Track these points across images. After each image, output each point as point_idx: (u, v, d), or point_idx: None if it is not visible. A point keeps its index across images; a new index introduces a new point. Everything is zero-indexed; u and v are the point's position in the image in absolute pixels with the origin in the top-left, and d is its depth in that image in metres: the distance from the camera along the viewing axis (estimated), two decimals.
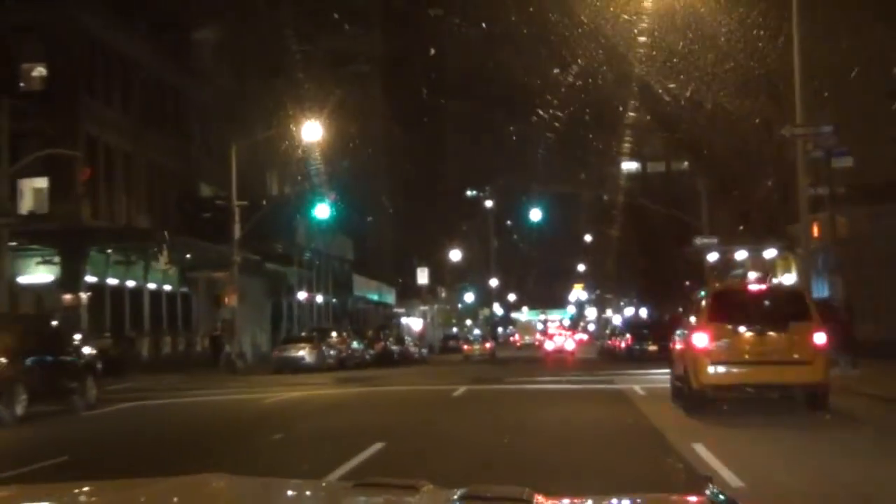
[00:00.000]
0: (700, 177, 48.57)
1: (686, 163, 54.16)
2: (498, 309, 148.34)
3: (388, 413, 20.79)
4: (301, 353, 47.15)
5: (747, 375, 17.38)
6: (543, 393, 27.16)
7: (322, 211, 49.06)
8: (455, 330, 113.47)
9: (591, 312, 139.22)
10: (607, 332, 77.15)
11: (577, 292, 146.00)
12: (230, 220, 46.76)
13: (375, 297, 76.25)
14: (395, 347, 64.39)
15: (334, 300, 65.76)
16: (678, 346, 20.05)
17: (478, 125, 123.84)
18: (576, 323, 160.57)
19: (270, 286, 62.18)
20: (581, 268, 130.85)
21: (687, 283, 59.71)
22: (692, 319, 18.94)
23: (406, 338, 72.25)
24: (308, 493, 3.90)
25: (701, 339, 17.59)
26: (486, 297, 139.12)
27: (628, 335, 48.32)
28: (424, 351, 74.18)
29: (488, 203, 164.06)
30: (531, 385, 30.13)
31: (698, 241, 46.78)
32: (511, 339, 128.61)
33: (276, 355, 47.69)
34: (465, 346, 73.56)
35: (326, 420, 19.35)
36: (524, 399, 24.43)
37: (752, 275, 29.83)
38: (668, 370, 21.84)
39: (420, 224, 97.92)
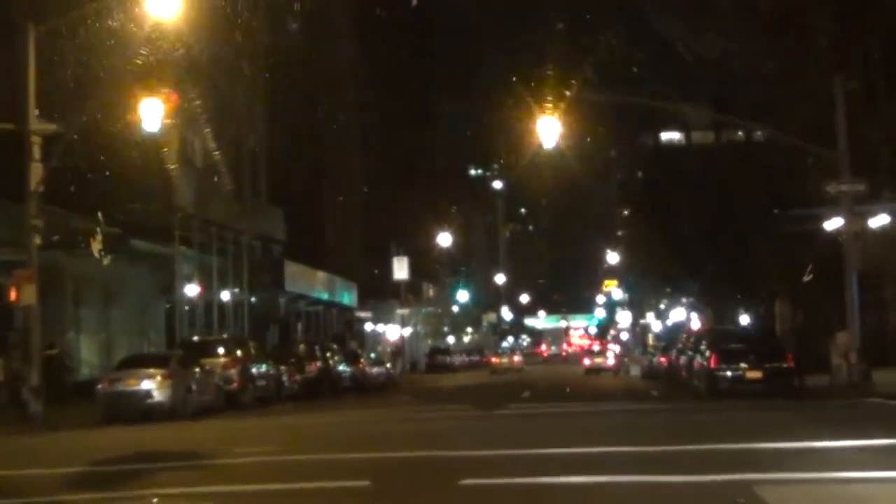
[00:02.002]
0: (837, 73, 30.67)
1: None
2: (507, 313, 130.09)
3: None
4: (145, 385, 29.48)
5: None
6: None
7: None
8: (451, 340, 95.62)
9: (623, 318, 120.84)
10: (652, 343, 59.01)
11: (609, 292, 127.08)
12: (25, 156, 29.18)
13: (325, 297, 58.16)
14: (345, 368, 46.77)
15: (252, 299, 47.80)
16: None
17: (484, 89, 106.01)
18: (604, 330, 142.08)
19: (159, 279, 44.62)
20: (613, 259, 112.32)
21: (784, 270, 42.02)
22: None
23: (369, 354, 54.49)
24: None
25: None
26: (491, 299, 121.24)
27: (708, 353, 30.25)
28: (397, 369, 56.50)
29: (497, 184, 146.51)
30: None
31: (837, 187, 28.88)
32: (537, 349, 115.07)
33: (103, 390, 29.88)
34: (494, 359, 78.58)
35: None
36: None
37: None
38: None
39: (403, 206, 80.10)
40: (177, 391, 29.86)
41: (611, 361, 55.24)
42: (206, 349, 34.95)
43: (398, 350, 73.79)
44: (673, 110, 48.80)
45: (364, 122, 78.64)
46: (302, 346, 44.33)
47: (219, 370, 33.68)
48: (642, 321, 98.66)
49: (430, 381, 58.37)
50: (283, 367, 39.55)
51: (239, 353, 35.69)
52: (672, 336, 67.37)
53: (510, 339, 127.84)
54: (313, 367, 42.74)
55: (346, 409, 30.96)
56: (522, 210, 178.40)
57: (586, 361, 61.46)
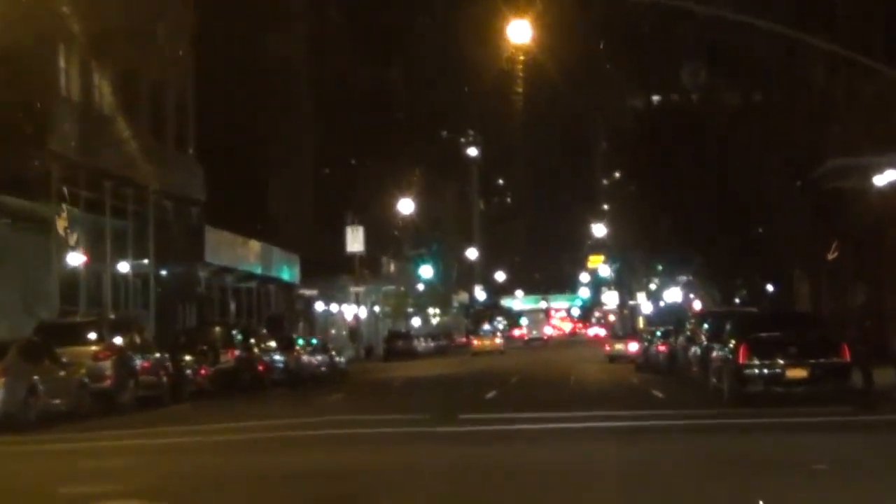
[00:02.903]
0: None
1: None
2: (481, 293, 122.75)
3: None
4: None
5: None
6: None
7: None
8: (418, 322, 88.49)
9: (610, 298, 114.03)
10: (644, 328, 52.80)
11: (595, 269, 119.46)
12: None
13: (258, 271, 50.61)
14: (277, 357, 39.87)
15: (162, 272, 40.42)
16: None
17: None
18: (588, 312, 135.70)
19: (48, 245, 37.30)
20: (600, 231, 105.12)
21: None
22: None
23: (310, 339, 47.48)
24: None
25: None
26: (463, 278, 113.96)
27: (734, 342, 23.19)
28: (344, 358, 49.50)
29: (471, 151, 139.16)
30: None
31: None
32: (513, 333, 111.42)
33: None
34: (476, 342, 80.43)
35: None
36: None
37: None
38: None
39: (363, 172, 72.87)
40: (13, 392, 22.65)
41: (633, 348, 48.76)
42: (71, 334, 27.70)
43: (354, 333, 66.66)
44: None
45: (318, 75, 71.28)
46: (217, 330, 37.05)
47: (87, 362, 26.48)
48: (631, 302, 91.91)
49: (385, 370, 51.32)
50: (188, 358, 32.50)
51: (119, 339, 28.41)
52: (665, 319, 60.87)
53: (487, 324, 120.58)
54: (231, 357, 35.60)
55: (245, 415, 23.75)
56: (500, 181, 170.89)
57: (607, 347, 57.89)
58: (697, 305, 74.43)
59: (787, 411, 19.98)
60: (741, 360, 22.38)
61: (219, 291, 46.74)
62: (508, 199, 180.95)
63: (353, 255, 63.62)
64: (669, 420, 19.53)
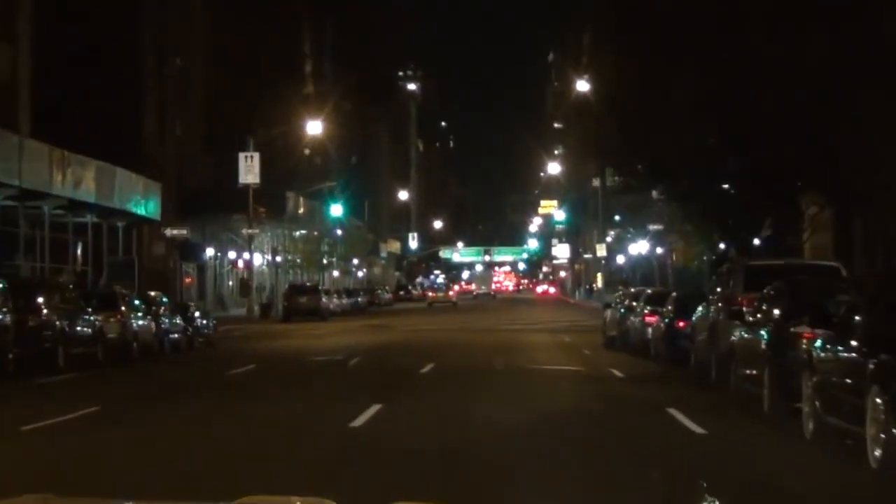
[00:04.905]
0: None
1: None
2: (413, 243, 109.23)
3: None
4: None
5: None
6: None
7: None
8: (336, 274, 75.31)
9: (562, 251, 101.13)
10: (620, 292, 40.16)
11: (548, 215, 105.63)
12: None
13: (91, 199, 35.57)
14: (86, 323, 26.85)
15: None
16: None
17: None
18: (535, 266, 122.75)
19: None
20: (554, 169, 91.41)
21: None
22: None
23: (161, 296, 34.52)
24: None
25: None
26: (396, 224, 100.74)
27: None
28: (212, 322, 36.58)
29: (410, 86, 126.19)
30: None
31: None
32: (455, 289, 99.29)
33: None
34: (430, 293, 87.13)
35: None
36: None
37: None
38: None
39: (273, 93, 59.39)
40: None
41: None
42: None
43: (246, 287, 53.33)
44: None
45: None
46: None
47: None
48: (587, 256, 79.20)
49: (271, 336, 38.40)
50: None
51: None
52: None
53: (420, 280, 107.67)
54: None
55: None
56: (443, 123, 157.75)
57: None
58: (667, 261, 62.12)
59: None
60: None
61: (28, 226, 33.14)
62: (451, 144, 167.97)
63: (246, 189, 50.21)
64: None
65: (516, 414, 14.86)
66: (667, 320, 24.90)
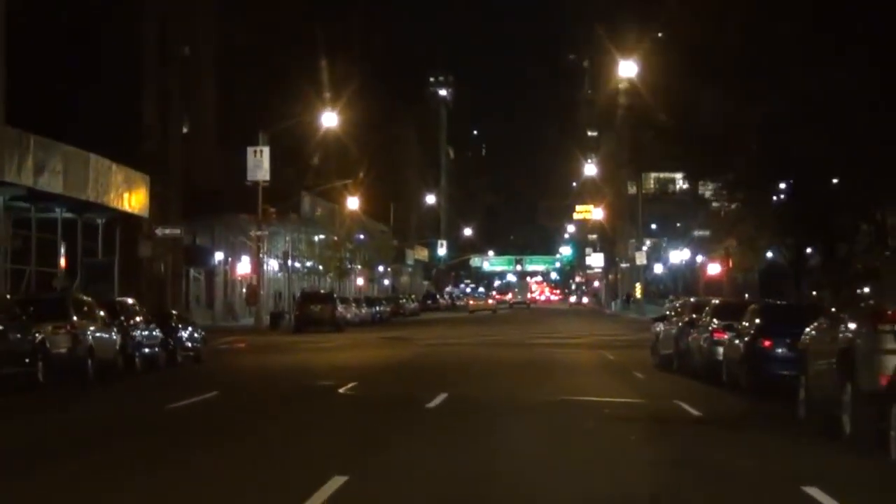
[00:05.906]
0: None
1: None
2: (441, 250, 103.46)
3: None
4: None
5: None
6: None
7: None
8: (360, 282, 70.01)
9: (597, 260, 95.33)
10: (671, 305, 34.39)
11: (583, 221, 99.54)
12: None
13: (58, 189, 29.86)
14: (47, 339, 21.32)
15: None
16: None
17: None
18: (568, 276, 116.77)
19: None
20: (589, 170, 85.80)
21: None
22: None
23: (135, 307, 29.33)
24: None
25: None
26: (419, 232, 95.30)
27: None
28: (201, 334, 31.30)
29: (442, 92, 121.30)
30: None
31: None
32: (489, 300, 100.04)
33: None
34: (472, 301, 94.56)
35: None
36: None
37: None
38: None
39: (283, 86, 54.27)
40: None
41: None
42: None
43: (253, 294, 47.99)
44: None
45: None
46: None
47: None
48: (623, 265, 73.30)
49: (268, 351, 33.07)
50: None
51: None
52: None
53: (450, 289, 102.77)
54: None
55: None
56: (475, 132, 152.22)
57: None
58: (715, 269, 56.60)
59: None
60: None
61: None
62: (483, 152, 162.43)
63: (255, 187, 44.91)
64: None
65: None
66: (746, 338, 19.41)
